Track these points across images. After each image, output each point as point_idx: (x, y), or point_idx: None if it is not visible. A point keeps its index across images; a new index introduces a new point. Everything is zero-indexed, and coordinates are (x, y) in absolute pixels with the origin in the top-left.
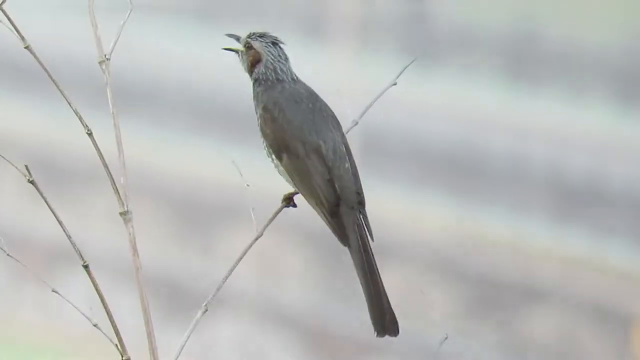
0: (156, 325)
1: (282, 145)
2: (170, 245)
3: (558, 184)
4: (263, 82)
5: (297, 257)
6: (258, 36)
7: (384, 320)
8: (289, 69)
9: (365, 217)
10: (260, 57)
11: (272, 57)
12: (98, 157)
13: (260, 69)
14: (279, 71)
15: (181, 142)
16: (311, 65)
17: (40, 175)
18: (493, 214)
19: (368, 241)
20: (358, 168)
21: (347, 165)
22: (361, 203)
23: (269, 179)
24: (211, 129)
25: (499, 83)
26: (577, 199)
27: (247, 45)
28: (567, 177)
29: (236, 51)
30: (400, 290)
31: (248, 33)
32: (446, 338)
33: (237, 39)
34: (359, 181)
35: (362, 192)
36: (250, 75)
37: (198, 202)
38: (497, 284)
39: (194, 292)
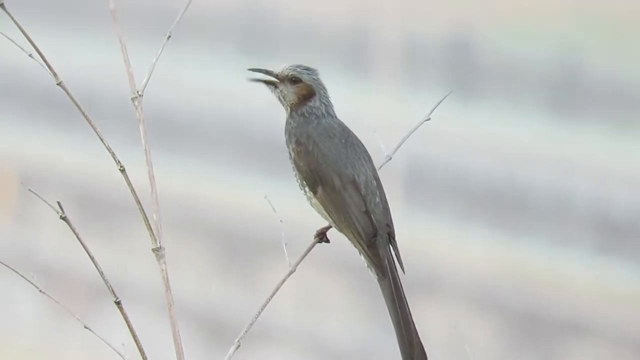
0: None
1: (317, 177)
2: (211, 280)
3: (601, 218)
4: (307, 116)
5: (339, 291)
6: (303, 69)
7: (413, 352)
8: (330, 102)
9: (395, 248)
10: (312, 91)
11: (324, 91)
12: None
13: (315, 102)
14: (329, 105)
15: (219, 175)
16: (353, 100)
17: (78, 211)
18: (536, 248)
19: (397, 273)
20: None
21: (378, 199)
22: (391, 235)
23: (305, 213)
24: (247, 162)
25: (542, 116)
26: (620, 233)
27: (292, 78)
28: (610, 211)
29: (270, 83)
30: (444, 324)
31: (288, 66)
32: None
33: (267, 72)
34: (389, 214)
35: (392, 225)
36: (290, 108)
37: (238, 235)
38: (539, 317)
39: (236, 326)
